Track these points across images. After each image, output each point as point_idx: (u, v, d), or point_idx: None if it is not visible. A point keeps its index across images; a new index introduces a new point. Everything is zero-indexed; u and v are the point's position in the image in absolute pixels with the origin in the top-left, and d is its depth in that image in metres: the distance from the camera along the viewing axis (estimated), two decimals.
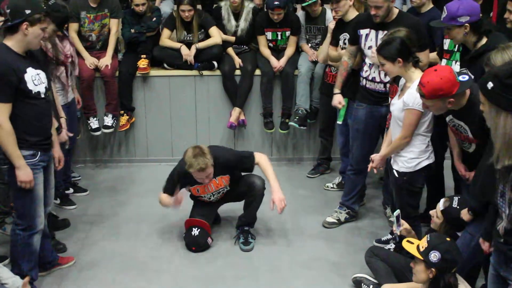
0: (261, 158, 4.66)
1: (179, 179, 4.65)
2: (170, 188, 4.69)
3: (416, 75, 3.94)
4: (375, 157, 4.31)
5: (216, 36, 6.09)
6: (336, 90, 5.02)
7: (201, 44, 6.05)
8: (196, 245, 4.66)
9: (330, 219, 5.07)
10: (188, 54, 6.05)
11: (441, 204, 3.71)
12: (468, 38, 3.93)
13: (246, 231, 4.77)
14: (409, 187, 4.13)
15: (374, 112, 4.73)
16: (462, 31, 3.90)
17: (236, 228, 4.85)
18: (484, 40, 3.92)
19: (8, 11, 3.56)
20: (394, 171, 4.16)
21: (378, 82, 4.65)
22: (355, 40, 4.76)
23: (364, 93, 4.76)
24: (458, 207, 3.61)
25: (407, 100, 3.90)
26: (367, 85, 4.71)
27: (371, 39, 4.61)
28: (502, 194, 2.74)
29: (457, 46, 4.25)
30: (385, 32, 4.39)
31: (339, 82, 4.99)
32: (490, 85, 2.58)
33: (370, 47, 4.62)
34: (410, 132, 3.99)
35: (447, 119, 3.76)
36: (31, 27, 3.60)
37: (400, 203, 4.19)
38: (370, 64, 4.65)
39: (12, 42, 3.61)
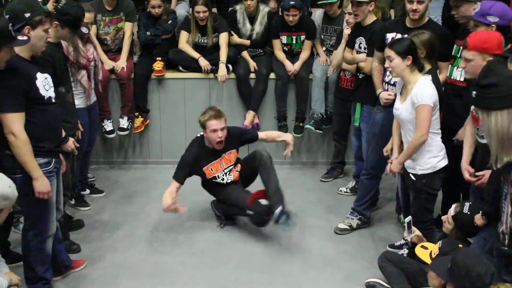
0: (262, 133, 5.27)
1: (193, 162, 4.78)
2: (182, 174, 4.81)
3: (418, 78, 3.95)
4: (394, 161, 4.22)
5: (223, 45, 6.10)
6: (380, 90, 4.81)
7: (224, 57, 6.07)
8: (271, 213, 4.62)
9: (342, 225, 5.04)
10: (206, 65, 6.07)
11: (452, 210, 3.68)
12: None
13: (282, 212, 4.61)
14: (427, 189, 4.09)
15: (391, 115, 4.68)
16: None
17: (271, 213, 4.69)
18: (508, 45, 3.82)
19: (7, 16, 3.44)
20: (411, 175, 4.12)
21: None
22: (382, 46, 4.61)
23: None
24: (468, 213, 3.57)
25: (415, 98, 3.88)
26: (389, 90, 4.68)
27: None
28: (506, 196, 2.78)
29: (460, 52, 4.24)
30: None
31: (379, 84, 4.81)
32: (473, 93, 2.76)
33: None
34: (425, 128, 3.90)
35: (472, 107, 3.69)
36: (33, 31, 3.51)
37: (416, 206, 4.16)
38: None
39: (19, 48, 3.47)
